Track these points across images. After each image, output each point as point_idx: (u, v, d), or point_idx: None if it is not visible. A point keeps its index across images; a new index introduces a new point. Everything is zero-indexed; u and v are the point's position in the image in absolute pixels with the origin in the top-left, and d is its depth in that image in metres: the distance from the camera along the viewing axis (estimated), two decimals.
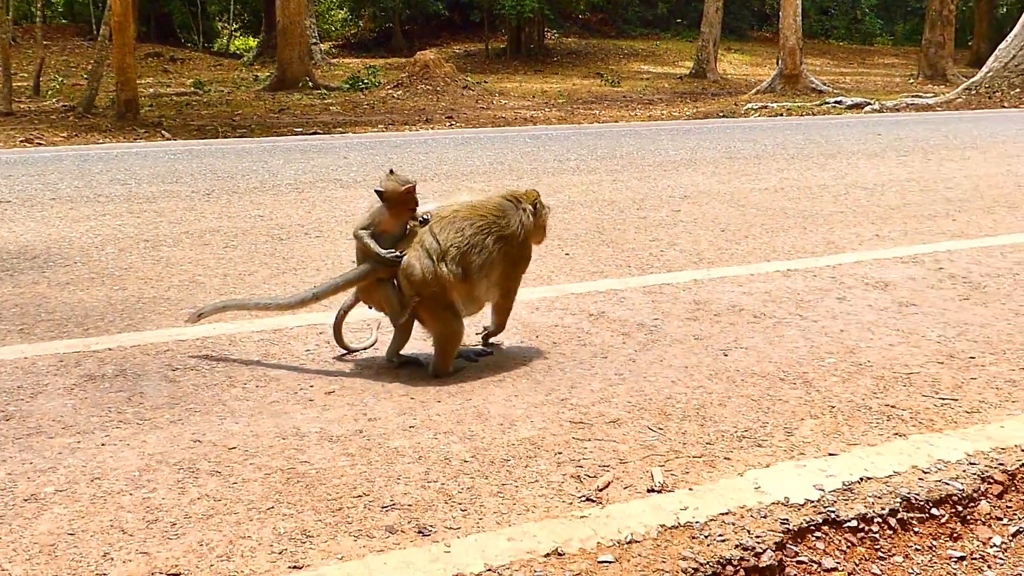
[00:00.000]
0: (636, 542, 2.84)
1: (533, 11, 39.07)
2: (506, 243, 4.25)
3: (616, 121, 19.66)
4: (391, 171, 4.29)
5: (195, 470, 3.29)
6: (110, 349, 4.54)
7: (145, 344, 4.63)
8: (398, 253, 4.15)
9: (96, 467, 3.31)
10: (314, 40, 35.77)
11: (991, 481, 3.27)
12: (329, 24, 49.36)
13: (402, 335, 4.36)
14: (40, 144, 14.69)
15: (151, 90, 26.32)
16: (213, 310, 4.45)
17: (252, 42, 45.22)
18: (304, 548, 2.81)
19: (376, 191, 4.21)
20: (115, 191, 9.18)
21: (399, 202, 4.20)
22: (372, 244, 4.17)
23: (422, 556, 2.76)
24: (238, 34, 48.96)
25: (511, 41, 42.45)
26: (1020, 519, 3.16)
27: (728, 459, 3.37)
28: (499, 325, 4.53)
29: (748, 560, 2.81)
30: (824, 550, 2.91)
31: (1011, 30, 25.13)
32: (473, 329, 4.65)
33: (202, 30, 43.83)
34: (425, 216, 4.21)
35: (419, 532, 2.89)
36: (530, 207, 4.39)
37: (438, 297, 4.15)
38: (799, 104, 22.78)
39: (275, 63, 29.81)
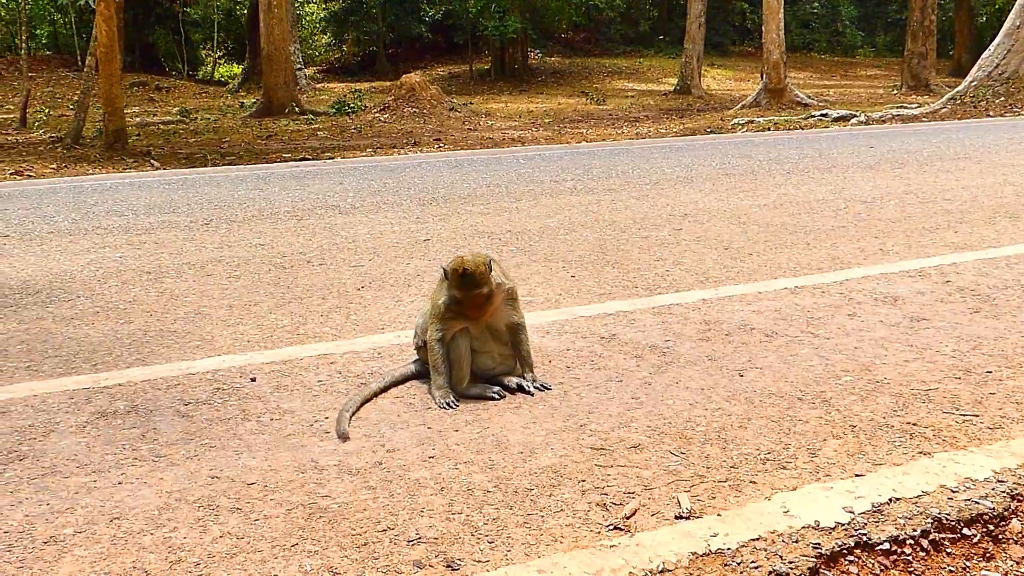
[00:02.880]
0: (668, 571, 2.80)
1: (516, 32, 39.17)
2: None
3: (604, 140, 19.67)
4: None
5: (215, 507, 3.24)
6: (120, 384, 4.49)
7: (155, 378, 4.58)
8: None
9: (114, 507, 3.26)
10: (299, 66, 35.75)
11: (1021, 499, 3.24)
12: (313, 49, 49.44)
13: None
14: (30, 176, 14.62)
15: (138, 119, 26.27)
16: (347, 420, 3.99)
17: (237, 69, 45.25)
18: None
19: None
20: (113, 223, 9.13)
21: None
22: None
23: None
24: (222, 62, 48.97)
25: (495, 62, 42.54)
26: None
27: (754, 483, 3.33)
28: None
29: None
30: (858, 574, 2.88)
31: (991, 39, 25.29)
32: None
33: (187, 58, 43.87)
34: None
35: (447, 566, 2.84)
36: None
37: None
38: (785, 118, 22.85)
39: (260, 89, 29.80)
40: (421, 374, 4.46)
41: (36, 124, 23.86)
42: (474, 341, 4.32)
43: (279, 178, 12.83)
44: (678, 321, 5.34)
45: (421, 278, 6.45)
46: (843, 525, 3.02)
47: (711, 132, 20.70)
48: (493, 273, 4.21)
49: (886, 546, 2.95)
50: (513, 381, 4.35)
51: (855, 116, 22.16)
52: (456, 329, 4.27)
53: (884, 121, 21.64)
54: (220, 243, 8.00)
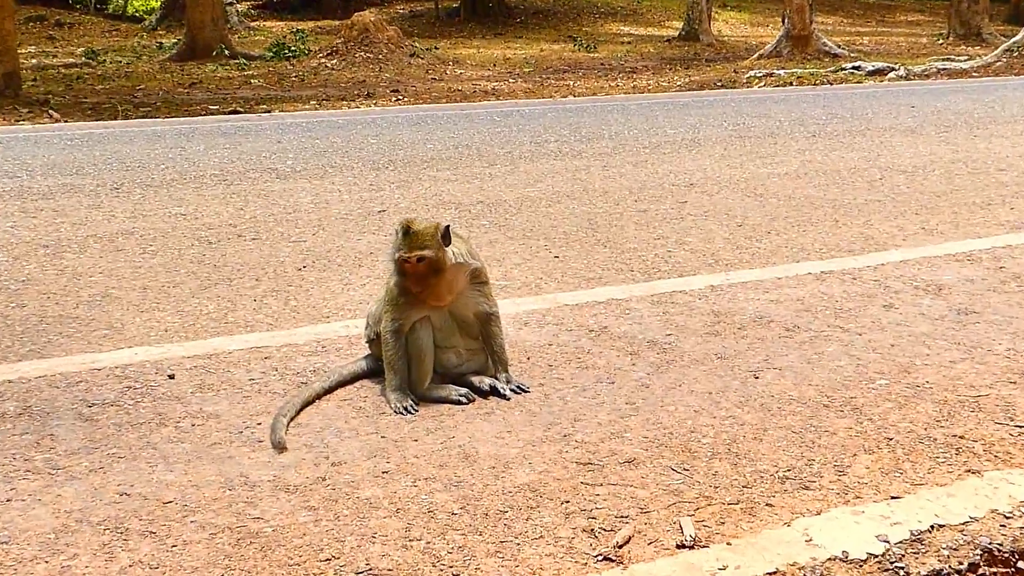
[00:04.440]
0: None
1: None
2: None
3: (595, 93, 19.71)
4: None
5: (124, 530, 3.23)
6: (10, 381, 4.47)
7: (53, 374, 4.56)
8: None
9: (2, 529, 3.24)
10: (229, 0, 35.58)
11: None
12: None
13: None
14: None
15: (34, 61, 26.13)
16: (285, 426, 3.97)
17: (154, 3, 44.94)
18: None
19: None
20: (3, 186, 9.08)
21: None
22: None
23: None
24: None
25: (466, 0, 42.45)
26: None
27: (770, 505, 3.34)
28: None
29: None
30: None
31: None
32: None
33: None
34: None
35: None
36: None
37: None
38: (811, 71, 22.95)
39: (183, 28, 29.67)
40: (374, 372, 4.46)
41: None
42: (437, 333, 4.31)
43: (204, 134, 12.80)
44: (681, 312, 5.37)
45: (375, 257, 6.45)
46: (876, 557, 3.04)
47: (722, 86, 20.79)
48: (454, 248, 4.18)
49: None
50: (484, 382, 4.34)
51: (893, 69, 22.28)
52: (415, 319, 4.25)
53: (928, 76, 21.78)
54: (133, 212, 7.98)
